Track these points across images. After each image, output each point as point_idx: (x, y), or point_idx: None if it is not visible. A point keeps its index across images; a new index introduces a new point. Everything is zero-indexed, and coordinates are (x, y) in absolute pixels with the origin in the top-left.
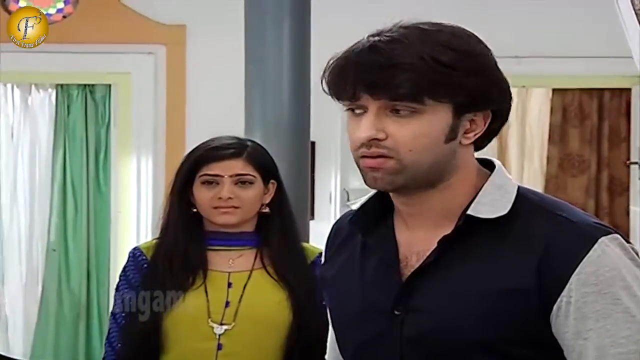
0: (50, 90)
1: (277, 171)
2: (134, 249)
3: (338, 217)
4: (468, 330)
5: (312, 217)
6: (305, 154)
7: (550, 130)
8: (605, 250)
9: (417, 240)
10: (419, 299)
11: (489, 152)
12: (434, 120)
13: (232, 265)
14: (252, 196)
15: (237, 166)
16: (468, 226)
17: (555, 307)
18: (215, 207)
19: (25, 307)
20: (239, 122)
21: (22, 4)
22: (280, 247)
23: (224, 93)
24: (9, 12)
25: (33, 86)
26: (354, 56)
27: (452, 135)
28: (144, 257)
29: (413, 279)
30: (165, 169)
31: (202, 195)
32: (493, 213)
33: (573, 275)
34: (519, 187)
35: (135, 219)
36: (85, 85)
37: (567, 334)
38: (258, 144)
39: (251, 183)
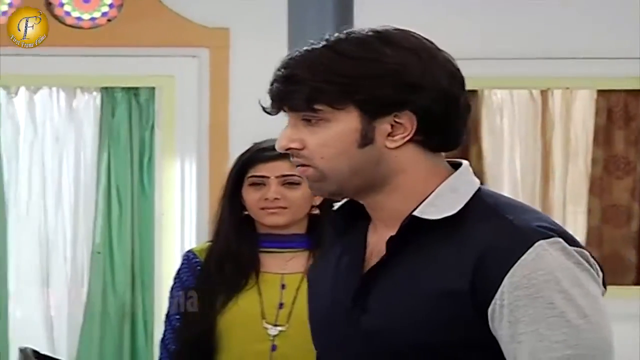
0: (95, 93)
1: None
2: (188, 251)
3: None
4: (408, 332)
5: None
6: None
7: (595, 132)
8: (541, 253)
9: (379, 241)
10: (372, 299)
11: (533, 154)
12: (339, 127)
13: (285, 267)
14: (299, 197)
15: (284, 167)
16: (415, 227)
17: (489, 310)
18: (263, 208)
19: (71, 309)
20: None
21: (67, 8)
22: None
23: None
24: (55, 17)
25: (78, 89)
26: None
27: (365, 140)
28: (197, 260)
29: (366, 279)
30: (208, 171)
31: (250, 196)
32: (439, 214)
33: (505, 279)
34: (479, 189)
35: (179, 221)
36: (129, 88)
37: (503, 337)
38: None
39: (298, 184)
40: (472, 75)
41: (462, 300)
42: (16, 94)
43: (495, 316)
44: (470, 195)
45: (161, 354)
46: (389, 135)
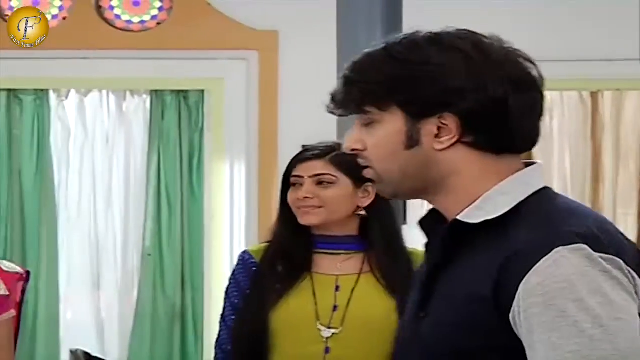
0: (144, 96)
1: None
2: (244, 252)
3: None
4: (447, 337)
5: (405, 222)
6: None
7: None
8: (559, 260)
9: None
10: (430, 303)
11: (583, 155)
12: (387, 128)
13: (340, 269)
14: (333, 196)
15: (317, 166)
16: (460, 231)
17: (510, 316)
18: (299, 208)
19: (121, 311)
20: (331, 126)
21: (117, 11)
22: (385, 251)
23: (317, 98)
24: (105, 20)
25: (128, 92)
26: None
27: (411, 142)
28: (253, 261)
29: (427, 283)
30: (258, 173)
31: (290, 197)
32: (481, 218)
33: (521, 285)
34: (540, 192)
35: (228, 223)
36: (179, 91)
37: (524, 343)
38: None
39: (331, 183)
40: None
41: (488, 305)
42: (66, 97)
43: (515, 322)
44: (521, 199)
45: (217, 354)
46: (435, 136)
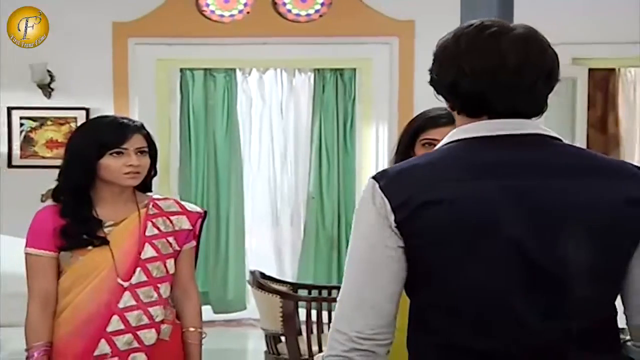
0: (309, 73)
1: None
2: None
3: None
4: None
5: None
6: None
7: None
8: (366, 186)
9: None
10: None
11: None
12: None
13: None
14: None
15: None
16: None
17: None
18: None
19: (292, 241)
20: None
21: (289, 7)
22: None
23: None
24: (279, 14)
25: (296, 70)
26: None
27: None
28: None
29: None
30: (398, 135)
31: (422, 153)
32: None
33: None
34: (461, 141)
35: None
36: (336, 69)
37: None
38: None
39: None
40: (610, 56)
41: None
42: (249, 74)
43: None
44: (443, 143)
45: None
46: None
